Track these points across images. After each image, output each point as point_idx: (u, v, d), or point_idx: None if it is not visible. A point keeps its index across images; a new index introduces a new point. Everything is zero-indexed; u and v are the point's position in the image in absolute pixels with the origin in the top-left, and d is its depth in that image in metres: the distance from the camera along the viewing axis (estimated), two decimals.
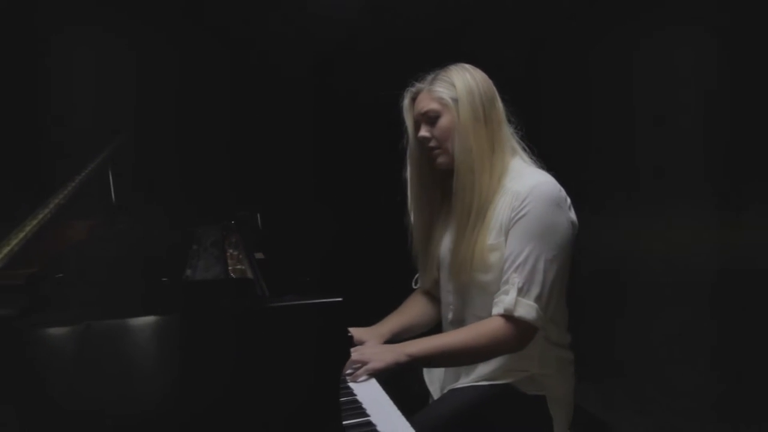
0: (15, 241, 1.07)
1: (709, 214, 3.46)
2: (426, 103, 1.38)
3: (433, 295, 1.66)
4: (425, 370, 1.63)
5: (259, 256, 1.66)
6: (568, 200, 1.35)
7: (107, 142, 1.97)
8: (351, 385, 1.33)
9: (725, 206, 3.46)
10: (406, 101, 1.45)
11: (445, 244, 1.49)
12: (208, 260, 1.52)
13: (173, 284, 1.26)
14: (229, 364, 0.96)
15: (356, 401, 1.26)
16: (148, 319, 0.93)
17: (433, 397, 1.58)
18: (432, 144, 1.39)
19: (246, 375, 0.96)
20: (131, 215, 1.93)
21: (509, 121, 1.43)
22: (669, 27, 3.28)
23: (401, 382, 1.40)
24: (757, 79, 3.28)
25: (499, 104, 1.41)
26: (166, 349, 0.95)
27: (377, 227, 2.41)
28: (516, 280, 1.28)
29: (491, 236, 1.34)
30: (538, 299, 1.28)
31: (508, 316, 1.30)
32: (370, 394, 1.29)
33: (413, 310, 1.66)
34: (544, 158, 1.46)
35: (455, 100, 1.35)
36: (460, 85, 1.35)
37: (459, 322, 1.50)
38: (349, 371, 1.34)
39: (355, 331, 1.50)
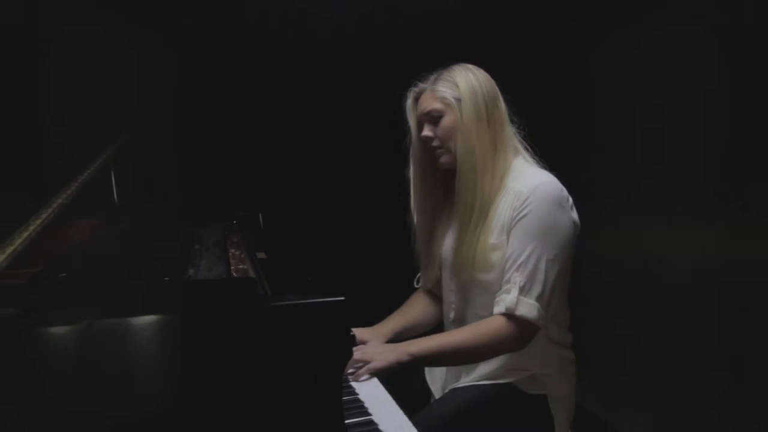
0: (19, 240, 1.07)
1: (710, 214, 3.46)
2: (429, 103, 1.39)
3: (435, 294, 1.67)
4: (427, 370, 1.63)
5: (261, 255, 1.67)
6: (570, 200, 1.35)
7: (109, 142, 1.97)
8: (353, 384, 1.33)
9: (725, 206, 3.46)
10: (409, 101, 1.45)
11: (447, 243, 1.50)
12: (211, 260, 1.53)
13: (175, 283, 1.27)
14: (231, 363, 0.96)
15: (358, 400, 1.27)
16: (149, 318, 0.93)
17: (434, 396, 1.58)
18: (435, 144, 1.40)
19: (248, 374, 0.96)
20: (133, 215, 1.93)
21: (512, 121, 1.44)
22: (669, 27, 3.28)
23: (403, 381, 1.40)
24: (757, 79, 3.28)
25: (502, 104, 1.42)
26: (167, 348, 0.95)
27: (379, 227, 2.41)
28: (518, 279, 1.28)
29: (493, 236, 1.35)
30: (539, 298, 1.29)
31: (509, 315, 1.30)
32: (371, 393, 1.29)
33: (415, 309, 1.66)
34: (544, 158, 1.46)
35: (458, 100, 1.35)
36: (463, 84, 1.36)
37: (460, 321, 1.51)
38: (351, 370, 1.34)
39: (357, 331, 1.50)
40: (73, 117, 2.79)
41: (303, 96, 3.01)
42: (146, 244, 1.67)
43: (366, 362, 1.34)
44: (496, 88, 1.42)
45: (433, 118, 1.38)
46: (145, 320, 0.93)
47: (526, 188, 1.32)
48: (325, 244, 2.90)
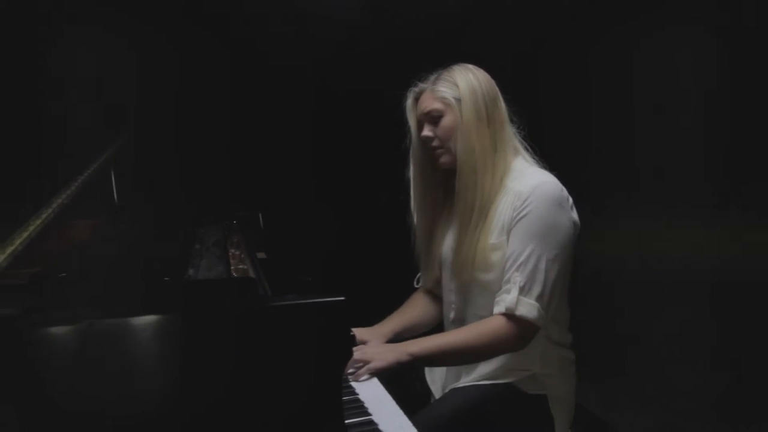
0: (19, 240, 1.07)
1: (710, 214, 3.46)
2: (429, 103, 1.39)
3: (435, 295, 1.67)
4: (427, 370, 1.64)
5: (261, 255, 1.67)
6: (570, 200, 1.36)
7: (109, 142, 1.98)
8: (353, 384, 1.33)
9: (725, 206, 3.46)
10: (409, 101, 1.45)
11: (447, 243, 1.50)
12: (211, 260, 1.53)
13: (175, 284, 1.27)
14: (231, 363, 0.96)
15: (358, 400, 1.27)
16: (149, 319, 0.93)
17: (434, 396, 1.58)
18: (435, 144, 1.40)
19: (248, 374, 0.96)
20: (132, 215, 1.93)
21: (512, 121, 1.44)
22: (669, 27, 3.28)
23: (403, 381, 1.40)
24: (757, 79, 3.28)
25: (502, 104, 1.42)
26: (167, 348, 0.95)
27: (378, 227, 2.41)
28: (518, 279, 1.29)
29: (493, 235, 1.35)
30: (539, 298, 1.29)
31: (509, 315, 1.31)
32: (371, 393, 1.29)
33: (415, 309, 1.66)
34: (544, 158, 1.46)
35: (458, 100, 1.36)
36: (463, 84, 1.36)
37: (460, 321, 1.51)
38: (350, 370, 1.34)
39: (357, 331, 1.50)
40: (73, 117, 2.80)
41: (303, 96, 3.01)
42: (146, 244, 1.67)
43: (366, 362, 1.34)
44: (496, 88, 1.42)
45: (433, 118, 1.39)
46: (145, 320, 0.93)
47: (526, 188, 1.32)
48: (325, 244, 2.90)
